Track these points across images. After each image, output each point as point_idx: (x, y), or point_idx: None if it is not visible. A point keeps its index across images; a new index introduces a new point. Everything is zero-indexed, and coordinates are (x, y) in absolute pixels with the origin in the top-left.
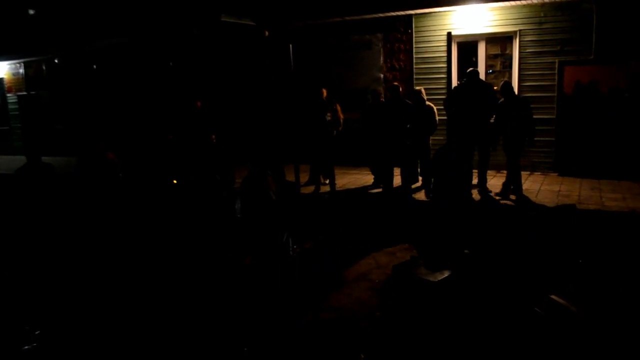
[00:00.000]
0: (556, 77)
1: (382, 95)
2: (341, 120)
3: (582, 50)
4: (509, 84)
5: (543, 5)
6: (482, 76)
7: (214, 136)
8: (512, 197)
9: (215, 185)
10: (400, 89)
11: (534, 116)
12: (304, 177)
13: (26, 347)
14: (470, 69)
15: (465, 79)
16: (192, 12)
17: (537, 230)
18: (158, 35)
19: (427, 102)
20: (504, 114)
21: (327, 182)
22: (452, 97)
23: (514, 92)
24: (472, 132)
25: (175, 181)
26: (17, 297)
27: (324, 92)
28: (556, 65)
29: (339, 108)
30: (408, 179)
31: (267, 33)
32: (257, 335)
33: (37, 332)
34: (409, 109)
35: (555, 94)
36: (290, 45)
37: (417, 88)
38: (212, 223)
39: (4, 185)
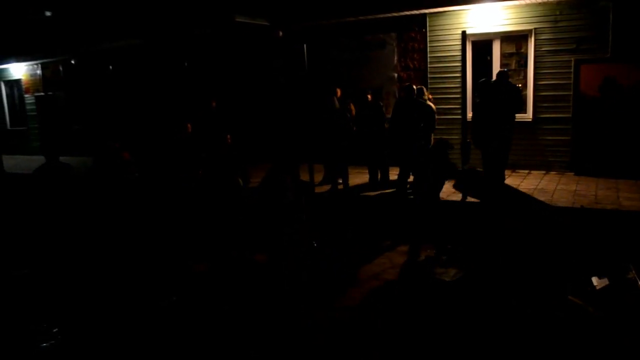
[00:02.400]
0: (572, 76)
1: (370, 96)
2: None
3: (599, 49)
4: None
5: (559, 3)
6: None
7: (229, 136)
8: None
9: (233, 183)
10: (415, 89)
11: (546, 115)
12: (318, 177)
13: (44, 344)
14: (501, 69)
15: (494, 79)
16: (206, 13)
17: (551, 230)
18: (173, 36)
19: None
20: None
21: (341, 181)
22: (479, 90)
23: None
24: (492, 129)
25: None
26: (36, 295)
27: (339, 91)
28: (572, 64)
29: (352, 108)
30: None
31: (281, 33)
32: (265, 336)
33: (55, 330)
34: (422, 108)
35: (572, 93)
36: (305, 45)
37: (409, 85)
38: (224, 221)
39: (23, 185)
